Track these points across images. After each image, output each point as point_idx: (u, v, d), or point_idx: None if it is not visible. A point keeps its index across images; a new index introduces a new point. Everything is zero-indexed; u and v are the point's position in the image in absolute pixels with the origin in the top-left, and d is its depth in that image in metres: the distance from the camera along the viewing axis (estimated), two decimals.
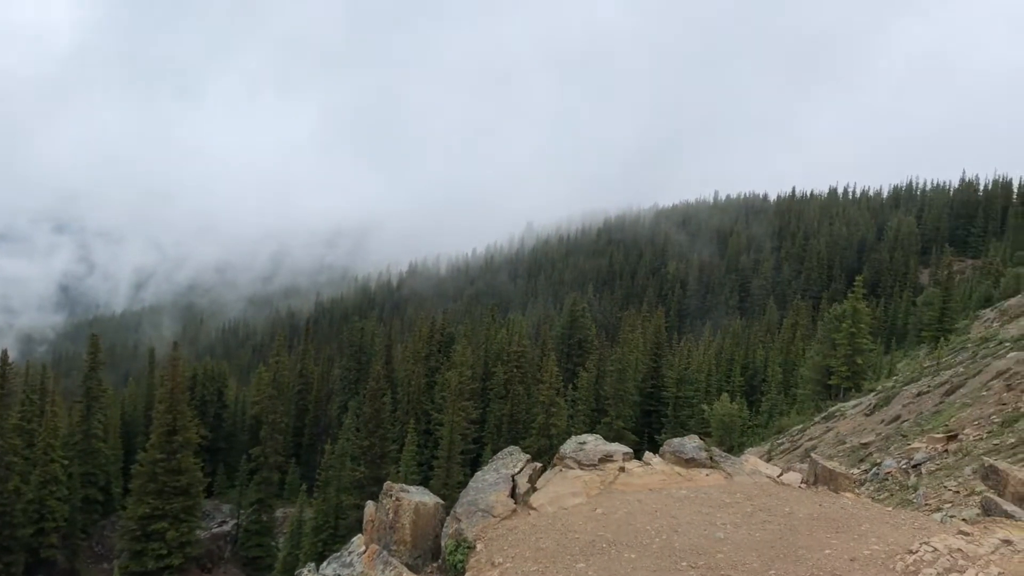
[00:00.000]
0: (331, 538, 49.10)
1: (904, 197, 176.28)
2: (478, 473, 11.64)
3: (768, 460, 21.75)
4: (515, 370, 64.35)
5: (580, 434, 13.07)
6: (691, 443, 12.17)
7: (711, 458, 11.88)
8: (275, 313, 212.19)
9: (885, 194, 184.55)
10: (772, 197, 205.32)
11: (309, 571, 10.90)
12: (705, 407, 52.99)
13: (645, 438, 58.10)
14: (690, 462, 11.72)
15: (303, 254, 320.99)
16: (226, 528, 61.11)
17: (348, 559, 10.62)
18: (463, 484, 41.53)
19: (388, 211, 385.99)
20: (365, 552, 10.50)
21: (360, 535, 11.53)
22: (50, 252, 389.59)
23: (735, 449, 41.54)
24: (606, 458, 11.63)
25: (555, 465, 11.87)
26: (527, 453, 12.26)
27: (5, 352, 56.80)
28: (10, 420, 52.48)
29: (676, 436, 13.47)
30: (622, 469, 11.39)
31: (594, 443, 12.12)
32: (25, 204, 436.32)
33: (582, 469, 11.40)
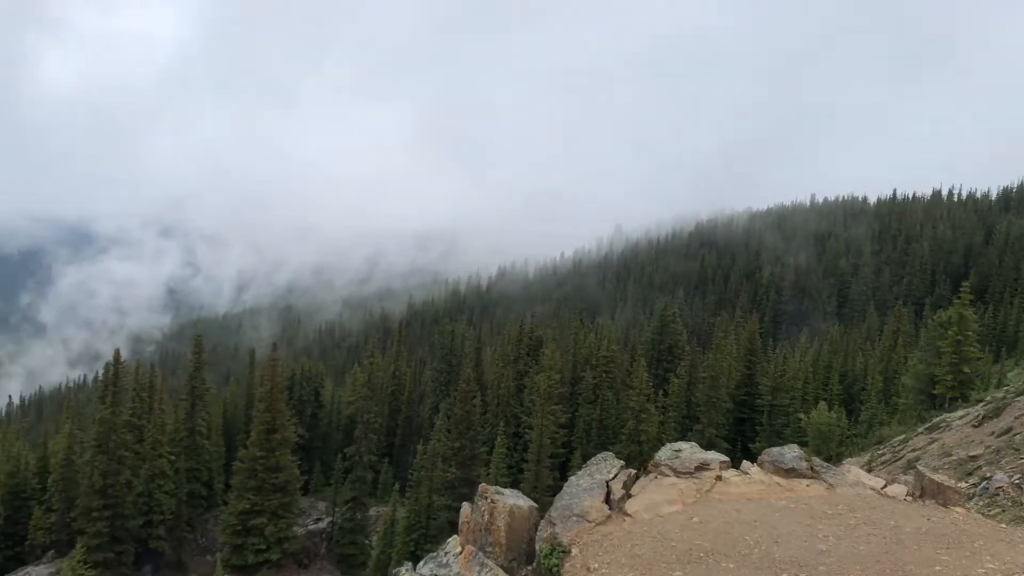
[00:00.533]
0: (423, 538, 49.80)
1: (1015, 199, 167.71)
2: (572, 478, 11.67)
3: (869, 471, 21.03)
4: (604, 375, 64.01)
5: (671, 441, 12.94)
6: (791, 453, 11.91)
7: (811, 468, 11.60)
8: (369, 315, 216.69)
9: (994, 196, 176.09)
10: (872, 199, 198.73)
11: (406, 570, 11.11)
12: (801, 416, 51.62)
13: (738, 446, 56.98)
14: (790, 472, 11.47)
15: (396, 257, 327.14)
16: (322, 525, 62.65)
17: (444, 559, 10.79)
18: (552, 488, 41.45)
19: (478, 214, 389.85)
20: (461, 553, 10.65)
21: (455, 536, 11.69)
22: (158, 256, 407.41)
23: (833, 459, 40.30)
24: (702, 466, 11.49)
25: (650, 472, 11.79)
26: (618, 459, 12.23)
27: (118, 351, 59.76)
28: (122, 416, 55.07)
29: (770, 445, 13.19)
30: (719, 478, 11.23)
31: (690, 451, 11.99)
32: (135, 210, 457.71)
33: (678, 476, 11.29)
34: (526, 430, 59.57)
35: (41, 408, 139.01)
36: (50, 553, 57.09)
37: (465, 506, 11.54)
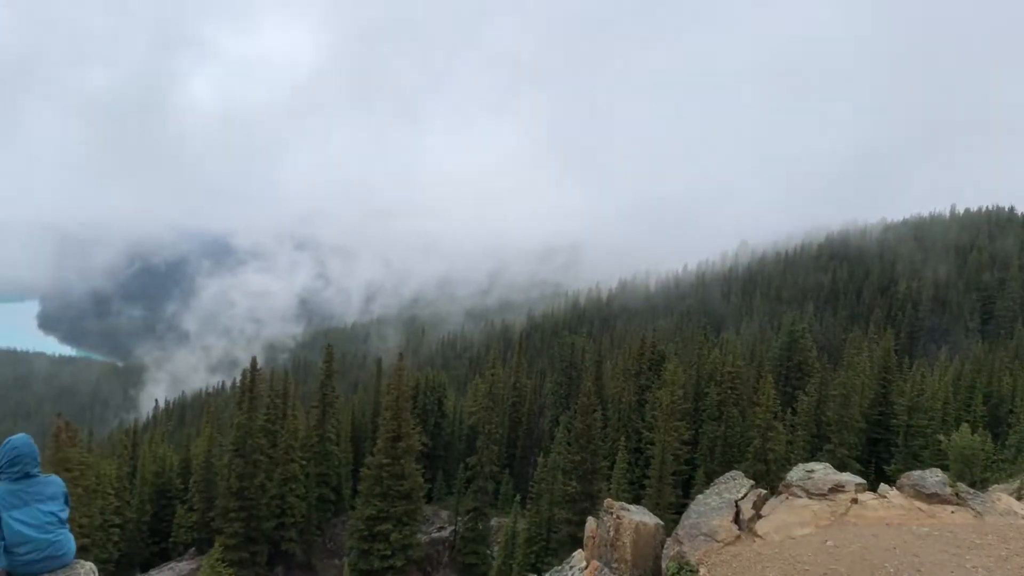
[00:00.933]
0: (543, 550, 49.85)
1: None
2: (699, 496, 11.48)
3: (1019, 499, 19.74)
4: (729, 391, 62.51)
5: (799, 461, 12.53)
6: (933, 477, 11.33)
7: (956, 494, 11.01)
8: (490, 326, 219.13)
9: None
10: (1020, 209, 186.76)
11: None
12: (941, 438, 48.85)
13: (872, 468, 54.43)
14: (932, 497, 10.92)
15: (518, 269, 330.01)
16: (444, 534, 63.65)
17: (569, 573, 10.82)
18: (675, 505, 40.70)
19: (598, 226, 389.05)
20: (586, 568, 10.66)
21: (580, 550, 11.70)
22: (292, 268, 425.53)
23: (978, 485, 37.98)
24: (836, 488, 11.08)
25: (780, 492, 11.46)
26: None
27: (254, 359, 62.60)
28: (257, 421, 57.61)
29: (907, 468, 12.59)
30: (855, 500, 10.80)
31: (823, 472, 11.59)
32: (270, 225, 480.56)
33: (810, 498, 10.93)
34: (648, 446, 58.82)
35: (184, 412, 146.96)
36: (191, 550, 60.26)
37: (590, 521, 11.53)
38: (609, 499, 11.42)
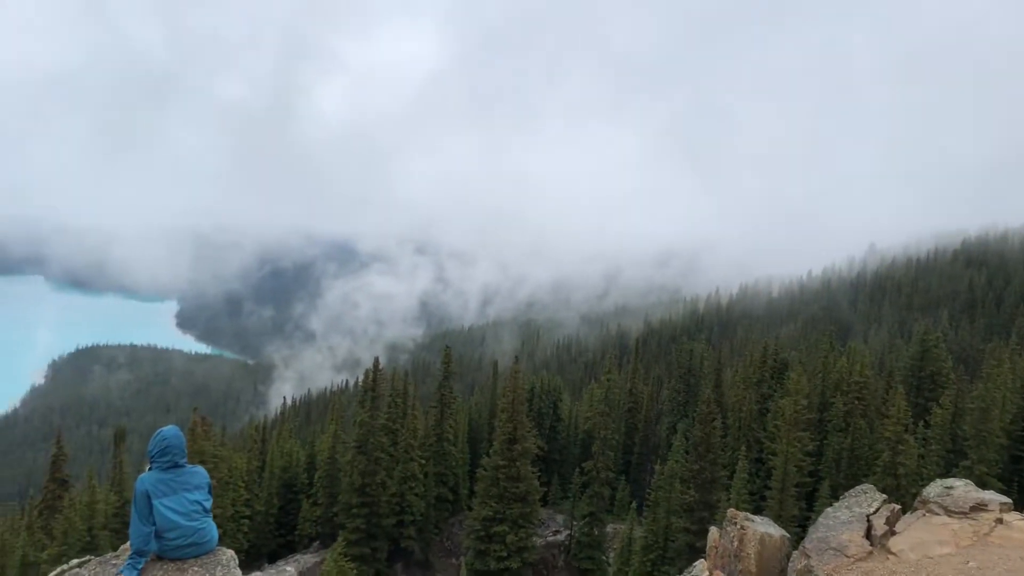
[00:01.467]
0: (660, 559, 49.19)
1: None
2: (828, 509, 11.11)
3: None
4: (856, 402, 59.99)
5: (932, 476, 11.94)
6: None
7: None
8: (606, 331, 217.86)
9: None
10: None
11: None
12: None
13: (1015, 487, 51.15)
14: None
15: (634, 274, 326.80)
16: (559, 538, 63.68)
17: None
18: (797, 518, 39.32)
19: (718, 231, 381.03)
20: None
21: (702, 560, 11.50)
22: (413, 272, 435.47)
23: None
24: (979, 506, 10.51)
25: (916, 509, 10.96)
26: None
27: (376, 360, 64.38)
28: (379, 420, 59.17)
29: None
30: (1000, 520, 10.21)
31: (963, 489, 11.01)
32: (392, 229, 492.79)
33: (949, 516, 10.41)
34: (769, 456, 57.14)
35: (310, 409, 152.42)
36: (316, 543, 62.44)
37: (713, 530, 11.34)
38: (733, 510, 11.20)
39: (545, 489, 67.56)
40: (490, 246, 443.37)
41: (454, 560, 61.44)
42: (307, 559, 58.71)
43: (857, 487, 11.62)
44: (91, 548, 44.67)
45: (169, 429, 9.22)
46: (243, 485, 58.98)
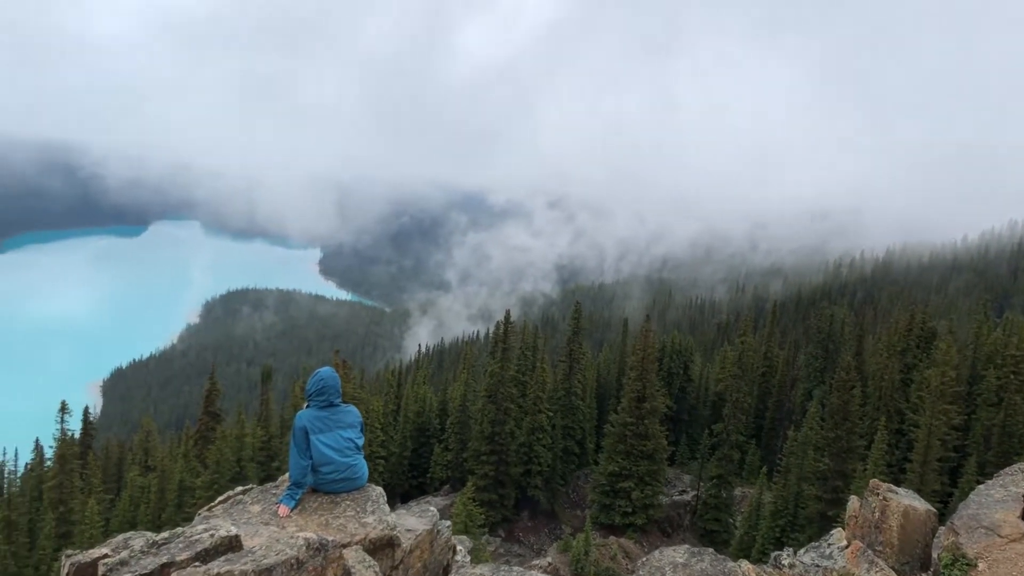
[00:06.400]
0: (789, 525, 48.29)
1: None
2: (980, 487, 10.58)
3: None
4: (1011, 376, 56.33)
5: None
6: None
7: None
8: (740, 292, 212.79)
9: None
10: None
11: (787, 555, 10.91)
12: None
13: None
14: None
15: (777, 233, 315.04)
16: (686, 498, 63.39)
17: (828, 551, 10.40)
18: (938, 493, 37.65)
19: (876, 186, 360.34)
20: (847, 548, 10.21)
21: (839, 529, 11.22)
22: (546, 225, 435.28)
23: None
24: None
25: None
26: None
27: (508, 312, 65.20)
28: (509, 371, 60.14)
29: None
30: None
31: None
32: (526, 182, 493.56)
33: None
34: (911, 428, 54.69)
35: (442, 357, 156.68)
36: (446, 487, 64.56)
37: (853, 500, 11.01)
38: (875, 480, 10.82)
39: (672, 448, 67.21)
40: (628, 199, 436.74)
41: (579, 512, 62.22)
42: (438, 501, 60.78)
43: (1013, 465, 11.00)
44: (240, 478, 47.81)
45: (326, 370, 9.72)
46: (380, 427, 61.49)
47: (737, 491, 61.37)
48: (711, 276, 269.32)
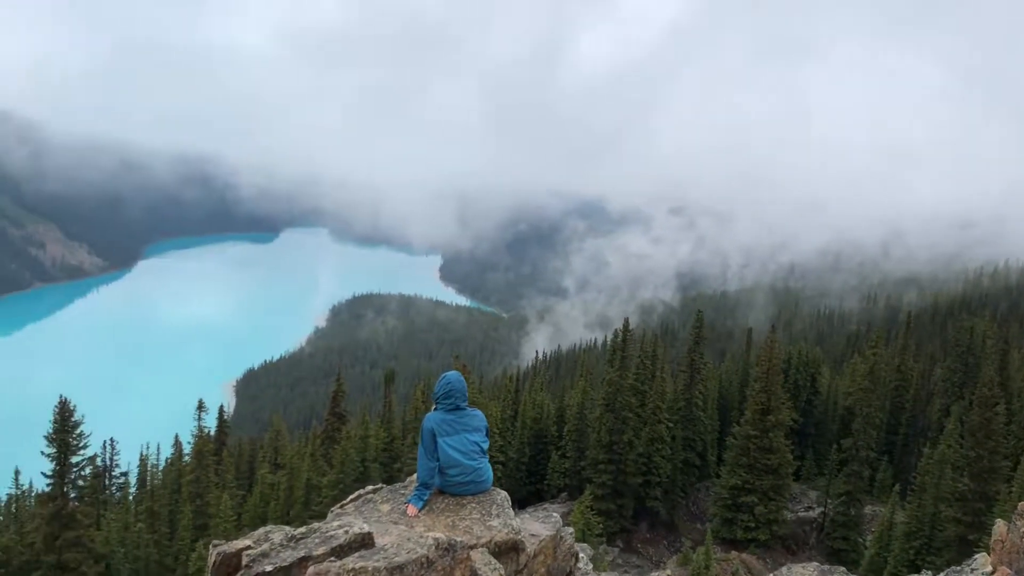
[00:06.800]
0: (924, 547, 45.92)
1: None
2: None
3: None
4: None
5: None
6: None
7: None
8: (872, 302, 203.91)
9: None
10: None
11: None
12: None
13: None
14: None
15: (913, 241, 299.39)
16: (812, 514, 61.18)
17: None
18: None
19: (1018, 197, 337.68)
20: (992, 573, 9.66)
21: (983, 554, 10.65)
22: (666, 232, 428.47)
23: None
24: None
25: None
26: None
27: (627, 320, 64.74)
28: (628, 379, 59.61)
29: None
30: None
31: None
32: (646, 188, 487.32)
33: None
34: None
35: (559, 364, 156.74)
36: (563, 495, 64.57)
37: (1000, 524, 10.39)
38: None
39: (798, 463, 65.00)
40: (752, 205, 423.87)
41: (699, 525, 61.03)
42: (555, 509, 60.88)
43: None
44: (364, 478, 49.23)
45: (453, 374, 9.96)
46: (497, 432, 62.09)
47: (867, 509, 58.83)
48: (841, 285, 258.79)
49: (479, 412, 10.06)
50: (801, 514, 61.19)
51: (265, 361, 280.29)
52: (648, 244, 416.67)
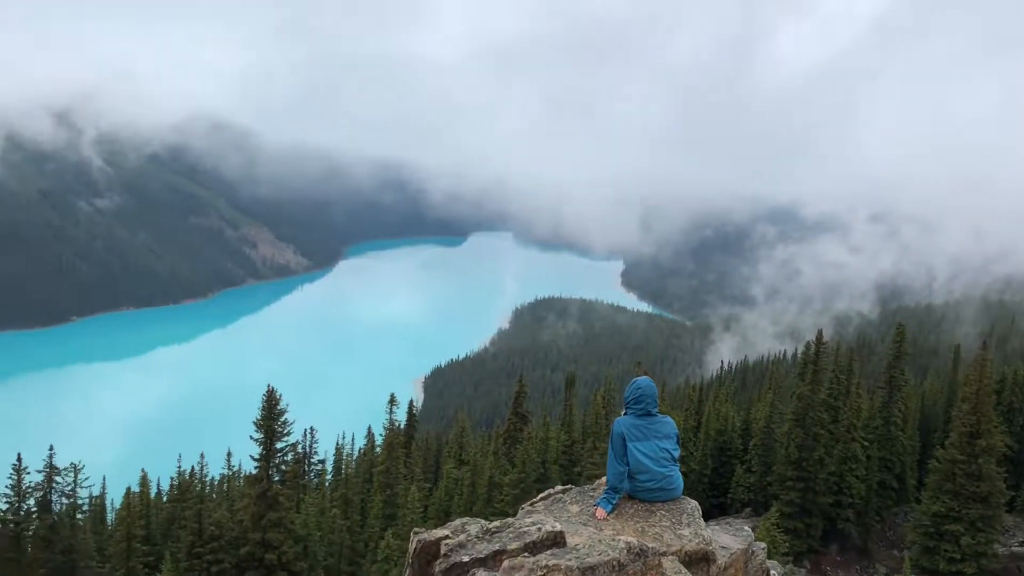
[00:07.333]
0: None
1: None
2: None
3: None
4: None
5: None
6: None
7: None
8: None
9: None
10: None
11: None
12: None
13: None
14: None
15: None
16: None
17: None
18: None
19: None
20: None
21: None
22: (866, 240, 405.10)
23: None
24: None
25: None
26: None
27: (820, 331, 61.91)
28: (820, 394, 56.93)
29: None
30: None
31: None
32: (844, 193, 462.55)
33: None
34: None
35: (745, 375, 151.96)
36: (747, 510, 62.54)
37: None
38: None
39: (1012, 493, 59.57)
40: (964, 212, 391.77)
41: (896, 552, 57.29)
42: (739, 524, 59.05)
43: None
44: (544, 478, 49.79)
45: (643, 379, 9.91)
46: (680, 442, 61.02)
47: None
48: None
49: (670, 419, 9.96)
50: (1015, 549, 55.97)
51: (451, 359, 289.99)
52: (845, 252, 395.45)
